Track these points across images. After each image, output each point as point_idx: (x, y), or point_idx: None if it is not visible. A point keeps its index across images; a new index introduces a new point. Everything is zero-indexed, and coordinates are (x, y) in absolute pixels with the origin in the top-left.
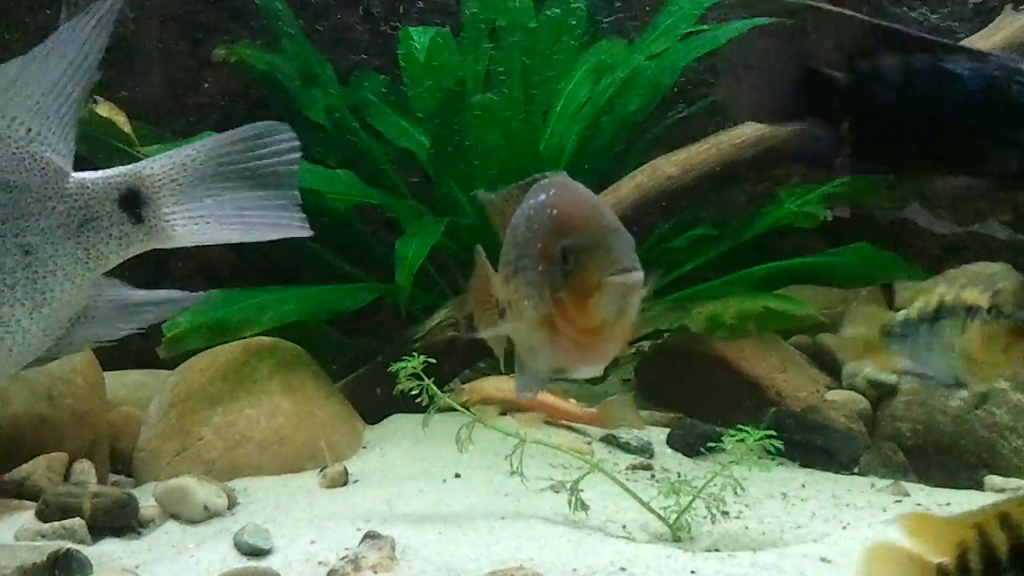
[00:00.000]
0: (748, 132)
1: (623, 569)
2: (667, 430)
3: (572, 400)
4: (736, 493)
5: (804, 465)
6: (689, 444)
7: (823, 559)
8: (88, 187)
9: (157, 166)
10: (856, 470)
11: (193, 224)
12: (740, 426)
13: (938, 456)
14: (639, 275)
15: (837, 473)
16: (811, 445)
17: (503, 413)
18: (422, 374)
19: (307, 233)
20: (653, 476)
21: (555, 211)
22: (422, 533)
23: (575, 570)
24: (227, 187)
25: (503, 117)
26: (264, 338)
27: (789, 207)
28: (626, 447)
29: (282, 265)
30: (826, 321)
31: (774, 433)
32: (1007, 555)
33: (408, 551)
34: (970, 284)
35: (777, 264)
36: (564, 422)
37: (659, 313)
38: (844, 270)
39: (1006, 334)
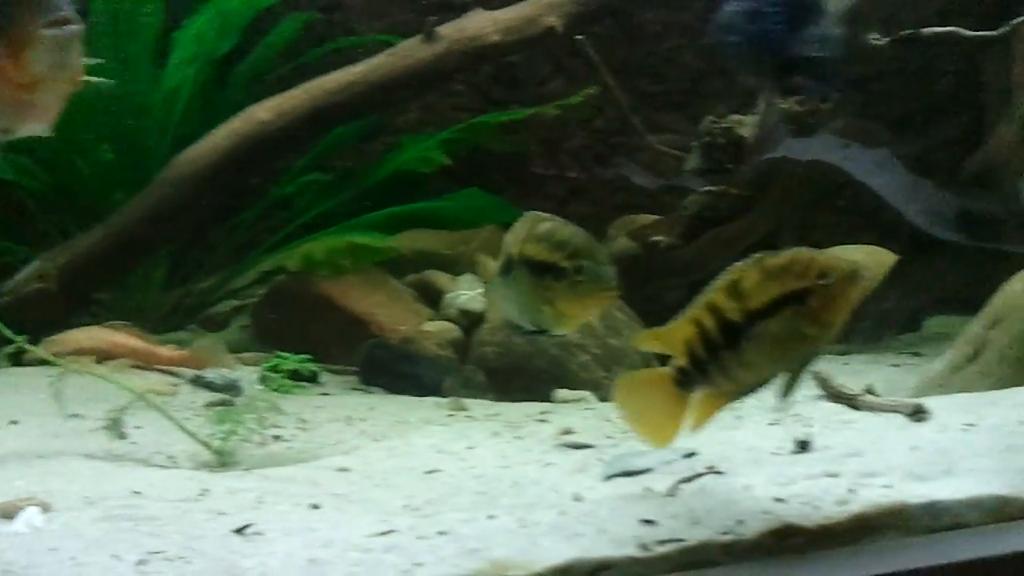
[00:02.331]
0: (339, 78)
1: (136, 493)
2: None
3: (166, 346)
4: (281, 415)
5: (395, 392)
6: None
7: (342, 469)
8: None
9: None
10: (439, 394)
11: None
12: (279, 354)
13: (516, 375)
14: (76, 27)
15: (422, 397)
16: (401, 373)
17: (98, 362)
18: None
19: None
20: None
21: None
22: None
23: (87, 498)
24: None
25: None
26: None
27: (410, 153)
28: (211, 386)
29: None
30: (451, 256)
31: (311, 358)
32: (719, 334)
33: None
34: (533, 240)
35: (392, 210)
36: (157, 367)
37: (277, 260)
38: (454, 214)
39: (586, 290)
